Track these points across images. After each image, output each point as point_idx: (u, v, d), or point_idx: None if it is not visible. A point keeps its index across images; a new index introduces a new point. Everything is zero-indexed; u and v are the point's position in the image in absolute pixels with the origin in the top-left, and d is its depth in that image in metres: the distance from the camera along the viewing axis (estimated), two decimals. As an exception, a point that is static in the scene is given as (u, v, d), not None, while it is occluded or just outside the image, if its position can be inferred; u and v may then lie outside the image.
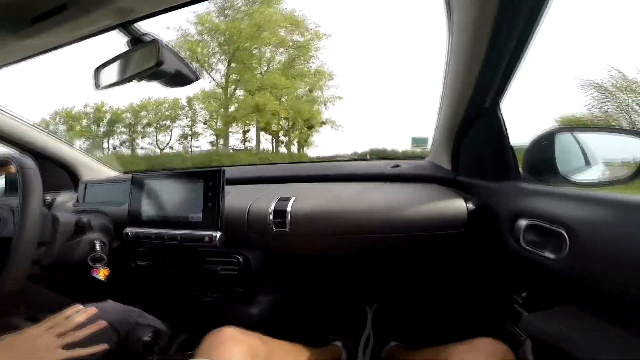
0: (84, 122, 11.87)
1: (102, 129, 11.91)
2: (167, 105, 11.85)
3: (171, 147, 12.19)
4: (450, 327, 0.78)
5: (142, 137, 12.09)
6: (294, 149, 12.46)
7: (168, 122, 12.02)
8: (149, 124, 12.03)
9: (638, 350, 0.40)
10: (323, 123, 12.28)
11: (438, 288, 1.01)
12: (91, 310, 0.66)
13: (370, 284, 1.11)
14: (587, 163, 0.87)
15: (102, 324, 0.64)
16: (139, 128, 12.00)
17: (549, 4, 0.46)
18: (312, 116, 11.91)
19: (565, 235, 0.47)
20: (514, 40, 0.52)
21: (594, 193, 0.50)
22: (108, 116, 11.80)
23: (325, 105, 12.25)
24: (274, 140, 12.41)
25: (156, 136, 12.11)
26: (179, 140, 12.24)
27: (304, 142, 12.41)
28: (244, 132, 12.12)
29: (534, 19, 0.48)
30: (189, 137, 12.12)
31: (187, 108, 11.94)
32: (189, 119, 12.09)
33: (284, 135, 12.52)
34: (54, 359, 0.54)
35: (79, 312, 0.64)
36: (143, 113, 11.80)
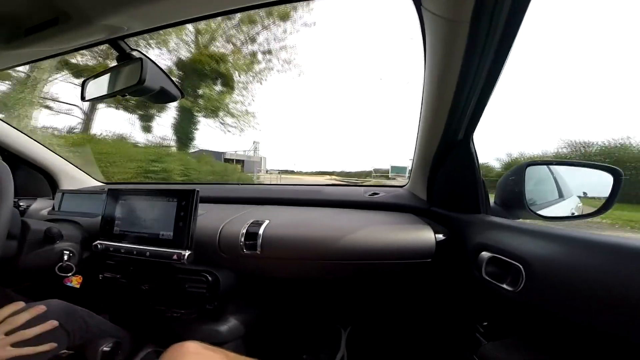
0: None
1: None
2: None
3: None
4: (418, 351, 0.77)
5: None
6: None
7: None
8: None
9: None
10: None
11: (408, 313, 1.01)
12: (39, 307, 0.64)
13: (344, 307, 1.09)
14: (561, 196, 0.89)
15: (53, 323, 0.63)
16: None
17: (514, 41, 0.48)
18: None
19: (522, 269, 0.48)
20: (484, 76, 0.54)
21: (550, 228, 0.52)
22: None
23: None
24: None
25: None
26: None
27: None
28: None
29: (502, 55, 0.51)
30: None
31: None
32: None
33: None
34: (2, 357, 0.52)
35: (28, 310, 0.62)
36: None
